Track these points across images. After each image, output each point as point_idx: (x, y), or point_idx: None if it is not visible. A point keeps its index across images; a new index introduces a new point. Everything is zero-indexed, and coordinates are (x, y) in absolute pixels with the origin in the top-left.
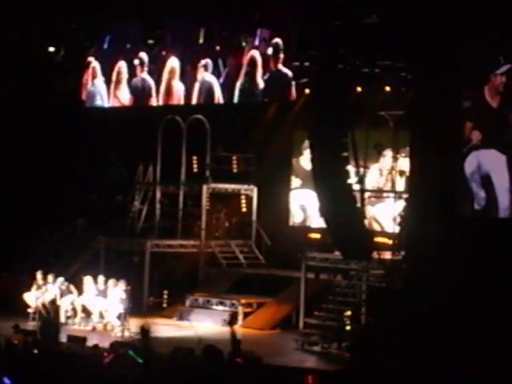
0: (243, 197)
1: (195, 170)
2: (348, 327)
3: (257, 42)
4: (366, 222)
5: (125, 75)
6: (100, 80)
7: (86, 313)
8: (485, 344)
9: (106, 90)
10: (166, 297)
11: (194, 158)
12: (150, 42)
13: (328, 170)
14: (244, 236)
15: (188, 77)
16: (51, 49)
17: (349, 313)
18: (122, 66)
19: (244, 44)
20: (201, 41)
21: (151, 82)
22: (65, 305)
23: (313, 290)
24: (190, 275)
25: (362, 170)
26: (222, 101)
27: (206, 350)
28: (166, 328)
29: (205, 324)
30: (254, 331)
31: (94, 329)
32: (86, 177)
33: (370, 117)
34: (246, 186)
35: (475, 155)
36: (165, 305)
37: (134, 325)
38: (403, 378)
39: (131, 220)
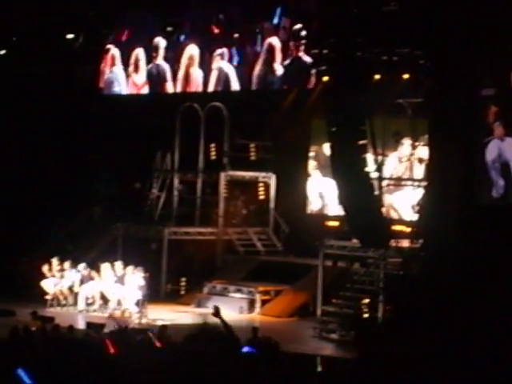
0: (261, 184)
1: (213, 157)
2: (366, 315)
3: (275, 20)
4: (384, 209)
5: (143, 62)
6: (118, 67)
7: (104, 300)
8: (503, 331)
9: (124, 77)
10: (183, 284)
11: (212, 145)
12: (169, 29)
13: (346, 158)
14: (262, 223)
15: (206, 64)
16: (70, 36)
17: (366, 300)
18: (139, 52)
19: (258, 31)
20: (217, 30)
21: (166, 67)
22: (85, 291)
23: (330, 278)
24: (208, 262)
25: (380, 157)
26: (238, 88)
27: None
28: (183, 315)
29: (222, 311)
30: (272, 319)
31: (111, 316)
32: (104, 163)
33: (389, 104)
34: (263, 174)
35: (496, 143)
36: (182, 292)
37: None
38: (421, 366)
39: (149, 207)
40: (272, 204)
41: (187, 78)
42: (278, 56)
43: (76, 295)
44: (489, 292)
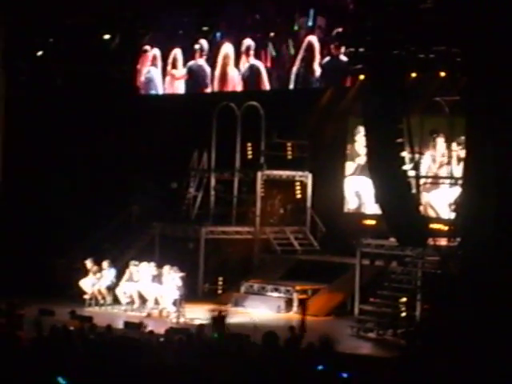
0: (298, 183)
1: (250, 156)
2: (403, 314)
3: (310, 23)
4: (421, 208)
5: (180, 62)
6: (156, 68)
7: (142, 299)
8: None
9: (161, 78)
10: (220, 283)
11: (249, 144)
12: (205, 28)
13: (383, 157)
14: (298, 222)
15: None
16: (106, 36)
17: (404, 299)
18: (177, 53)
19: (296, 28)
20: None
21: (208, 69)
22: (124, 289)
23: (368, 277)
24: (245, 262)
25: (417, 156)
26: (268, 87)
27: (266, 336)
28: None
29: (260, 310)
30: (309, 317)
31: (149, 315)
32: (141, 163)
33: (425, 103)
34: (300, 173)
35: None
36: (220, 291)
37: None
38: (459, 365)
39: (186, 207)
40: (309, 203)
41: (223, 77)
42: (317, 56)
43: (114, 294)
44: None
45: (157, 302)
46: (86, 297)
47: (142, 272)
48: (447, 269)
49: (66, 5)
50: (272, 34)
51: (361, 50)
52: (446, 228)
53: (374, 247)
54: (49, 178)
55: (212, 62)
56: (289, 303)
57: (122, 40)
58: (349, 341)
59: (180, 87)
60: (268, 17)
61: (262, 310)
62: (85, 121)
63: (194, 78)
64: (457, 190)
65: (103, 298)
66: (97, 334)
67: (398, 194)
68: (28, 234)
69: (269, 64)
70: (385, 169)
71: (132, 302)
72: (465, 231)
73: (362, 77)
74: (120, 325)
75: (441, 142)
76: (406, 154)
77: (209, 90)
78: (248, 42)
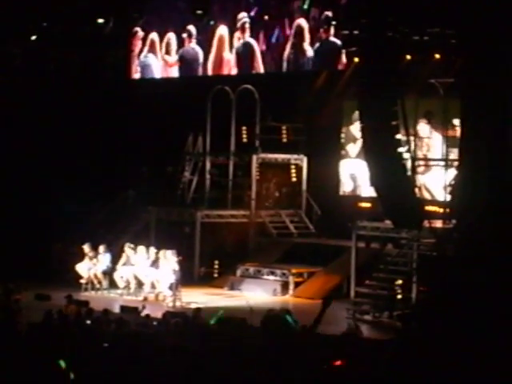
0: (293, 166)
1: (245, 140)
2: (399, 296)
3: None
4: (417, 190)
5: (174, 47)
6: (152, 53)
7: (138, 283)
8: None
9: (157, 62)
10: (216, 267)
11: (244, 128)
12: (199, 12)
13: (378, 139)
14: (294, 206)
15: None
16: (100, 20)
17: (400, 282)
18: (171, 37)
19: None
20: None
21: (199, 49)
22: (121, 273)
23: (363, 259)
24: (241, 245)
25: (411, 138)
26: (261, 67)
27: (265, 320)
28: (216, 298)
29: (256, 294)
30: (305, 300)
31: (145, 299)
32: (136, 148)
33: (420, 85)
34: (295, 156)
35: None
36: (216, 275)
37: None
38: (455, 348)
39: (181, 191)
40: (304, 186)
41: (218, 60)
42: (307, 37)
43: (110, 279)
44: None
45: (153, 286)
46: (82, 281)
47: (138, 256)
48: (443, 251)
49: None
50: (266, 17)
51: (355, 32)
52: (442, 210)
53: (369, 230)
54: (44, 163)
55: (207, 45)
56: (285, 286)
57: (116, 24)
58: (345, 323)
59: (173, 71)
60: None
61: (257, 293)
62: (79, 106)
63: (187, 63)
64: (452, 172)
65: (99, 282)
66: (93, 319)
67: (394, 176)
68: (24, 218)
69: (263, 47)
70: (380, 151)
71: (128, 287)
72: (460, 213)
73: (356, 59)
74: (116, 309)
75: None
76: (400, 137)
77: (200, 71)
78: (244, 17)
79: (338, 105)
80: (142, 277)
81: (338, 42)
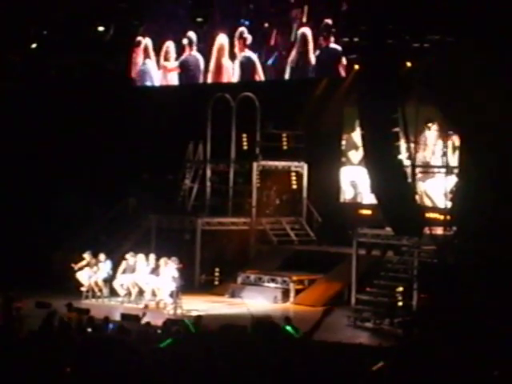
0: (293, 174)
1: (245, 147)
2: (400, 303)
3: (304, 20)
4: (417, 197)
5: (173, 54)
6: (151, 60)
7: (139, 291)
8: None
9: (156, 70)
10: (217, 274)
11: (244, 135)
12: (199, 20)
13: (378, 146)
14: (295, 213)
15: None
16: (101, 28)
17: (400, 289)
18: (169, 45)
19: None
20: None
21: (201, 58)
22: (122, 280)
23: (364, 267)
24: (241, 252)
25: (412, 145)
26: (262, 77)
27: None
28: (217, 305)
29: (256, 301)
30: (306, 308)
31: (146, 307)
32: (136, 155)
33: (421, 92)
34: (296, 163)
35: None
36: (216, 282)
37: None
38: (456, 354)
39: (182, 198)
40: (305, 193)
41: (218, 68)
42: (311, 46)
43: (111, 286)
44: None
45: (154, 294)
46: (83, 289)
47: (139, 264)
48: (443, 258)
49: None
50: (266, 25)
51: (355, 39)
52: (442, 217)
53: (370, 237)
54: (44, 171)
55: (207, 52)
56: (285, 294)
57: (116, 31)
58: (346, 331)
59: (173, 79)
60: (262, 6)
61: (258, 300)
62: (79, 114)
63: (187, 70)
64: (453, 179)
65: (100, 290)
66: (94, 327)
67: (394, 183)
68: (24, 226)
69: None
70: (380, 158)
71: (129, 294)
72: (461, 220)
73: (356, 67)
74: (117, 317)
75: (433, 129)
76: (401, 144)
77: (201, 79)
78: (243, 30)
79: (339, 112)
80: (142, 284)
81: (339, 48)
